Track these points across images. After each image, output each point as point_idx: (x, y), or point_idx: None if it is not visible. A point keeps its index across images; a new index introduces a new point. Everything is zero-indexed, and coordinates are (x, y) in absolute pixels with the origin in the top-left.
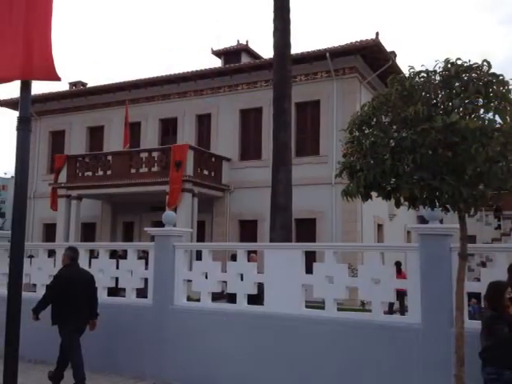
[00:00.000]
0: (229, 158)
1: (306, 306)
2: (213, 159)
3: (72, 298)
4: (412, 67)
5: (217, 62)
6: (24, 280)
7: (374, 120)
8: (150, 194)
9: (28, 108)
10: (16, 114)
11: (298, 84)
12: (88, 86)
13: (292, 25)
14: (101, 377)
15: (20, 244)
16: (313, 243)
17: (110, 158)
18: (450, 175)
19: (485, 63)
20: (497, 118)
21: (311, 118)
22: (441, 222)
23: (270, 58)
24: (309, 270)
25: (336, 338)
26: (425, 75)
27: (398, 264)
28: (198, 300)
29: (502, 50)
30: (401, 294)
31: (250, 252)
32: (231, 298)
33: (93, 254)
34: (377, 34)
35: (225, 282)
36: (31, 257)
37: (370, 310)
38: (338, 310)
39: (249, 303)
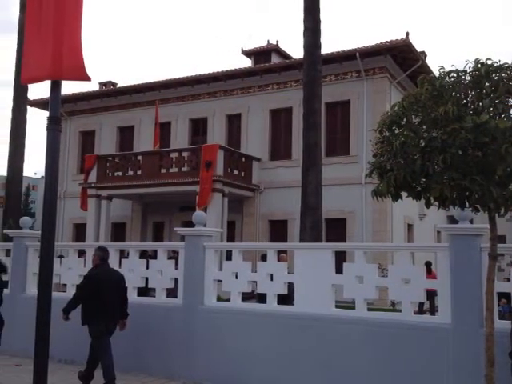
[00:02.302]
0: (259, 157)
1: (336, 306)
2: (243, 159)
3: (102, 298)
4: (442, 67)
5: (247, 62)
6: (54, 280)
7: (404, 120)
8: (180, 194)
9: (58, 108)
10: (46, 114)
11: (328, 84)
12: (118, 85)
13: (322, 25)
14: (131, 377)
15: (50, 244)
16: (343, 243)
17: (140, 157)
18: (480, 175)
19: None
20: None
21: (341, 118)
22: (471, 222)
23: (300, 58)
24: (339, 270)
25: (366, 338)
26: (455, 75)
27: (428, 264)
28: (228, 300)
29: None
30: (431, 294)
31: (280, 252)
32: (261, 298)
33: (123, 254)
34: (407, 33)
35: (255, 281)
36: (61, 257)
37: (400, 310)
38: (368, 309)
39: (279, 303)
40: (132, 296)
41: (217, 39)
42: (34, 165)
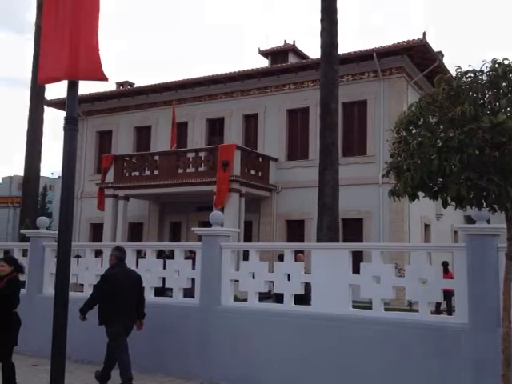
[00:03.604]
0: (276, 157)
1: (353, 306)
2: (260, 159)
3: (119, 298)
4: (459, 67)
5: (264, 62)
6: (71, 280)
7: (421, 120)
8: (197, 194)
9: (75, 108)
10: (63, 113)
11: (345, 84)
12: (135, 85)
13: (339, 25)
14: (148, 377)
15: (67, 244)
16: (360, 243)
17: (157, 158)
18: (497, 175)
19: None
20: None
21: (358, 118)
22: (488, 222)
23: (317, 58)
24: (356, 270)
25: (383, 338)
26: (472, 75)
27: (445, 264)
28: (245, 300)
29: None
30: (448, 294)
31: (297, 252)
32: (278, 298)
33: (140, 254)
34: (424, 34)
35: (272, 282)
36: (78, 257)
37: (417, 310)
38: (385, 309)
39: (296, 303)
40: (149, 296)
41: (233, 40)
42: (51, 165)
